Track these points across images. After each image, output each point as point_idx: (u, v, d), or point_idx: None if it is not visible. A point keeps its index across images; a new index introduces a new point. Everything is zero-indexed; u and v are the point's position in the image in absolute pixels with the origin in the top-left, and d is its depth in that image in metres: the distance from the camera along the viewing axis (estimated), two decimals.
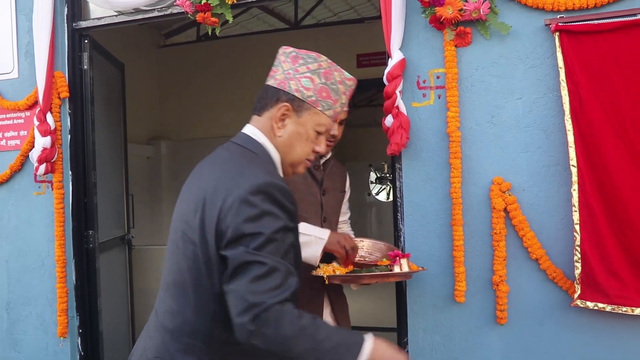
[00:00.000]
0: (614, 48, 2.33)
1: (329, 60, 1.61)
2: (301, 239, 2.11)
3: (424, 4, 2.55)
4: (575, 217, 2.38)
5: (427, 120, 2.64)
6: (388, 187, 6.49)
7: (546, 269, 2.49)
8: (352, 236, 2.57)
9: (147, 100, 6.41)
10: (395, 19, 2.58)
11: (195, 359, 1.48)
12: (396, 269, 2.24)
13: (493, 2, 2.51)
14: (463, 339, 2.63)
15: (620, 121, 2.33)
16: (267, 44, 6.55)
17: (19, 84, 3.36)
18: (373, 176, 6.84)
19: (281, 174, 1.62)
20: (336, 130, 2.36)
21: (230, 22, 2.97)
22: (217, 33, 3.01)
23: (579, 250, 2.38)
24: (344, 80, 1.62)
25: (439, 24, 2.57)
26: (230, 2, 2.86)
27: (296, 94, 1.56)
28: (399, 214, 2.72)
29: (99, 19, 3.32)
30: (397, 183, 2.73)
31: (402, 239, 2.70)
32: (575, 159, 2.38)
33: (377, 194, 6.87)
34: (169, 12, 3.13)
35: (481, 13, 2.48)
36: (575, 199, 2.38)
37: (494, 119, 2.56)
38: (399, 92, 2.58)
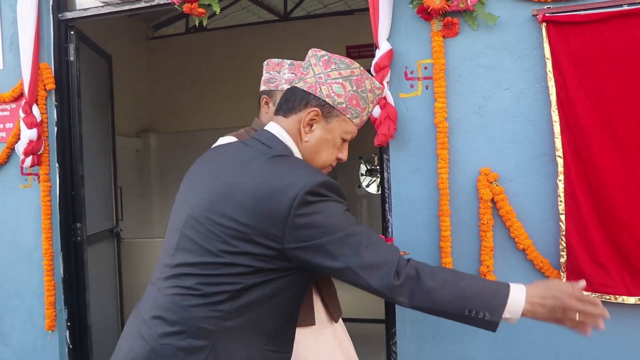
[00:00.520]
0: (601, 39, 2.34)
1: (362, 68, 1.59)
2: None
3: None
4: (561, 207, 2.40)
5: (414, 111, 2.64)
6: (378, 179, 6.50)
7: (533, 259, 2.50)
8: None
9: (136, 92, 6.39)
10: (382, 10, 2.57)
11: (208, 342, 1.44)
12: None
13: None
14: (450, 329, 2.64)
15: (606, 112, 2.34)
16: (257, 36, 6.55)
17: (3, 76, 3.33)
18: (363, 168, 6.84)
19: None
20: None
21: (217, 14, 2.95)
22: (205, 24, 2.99)
23: (565, 240, 2.40)
24: (374, 89, 1.61)
25: (426, 14, 2.56)
26: None
27: (327, 100, 1.54)
28: (387, 205, 2.72)
29: (85, 9, 3.30)
30: (385, 174, 2.73)
31: (390, 229, 2.70)
32: (561, 150, 2.39)
33: (368, 186, 6.87)
34: (155, 2, 3.11)
35: (468, 3, 2.48)
36: (561, 190, 2.40)
37: (482, 110, 2.57)
38: (387, 82, 2.57)
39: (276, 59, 2.29)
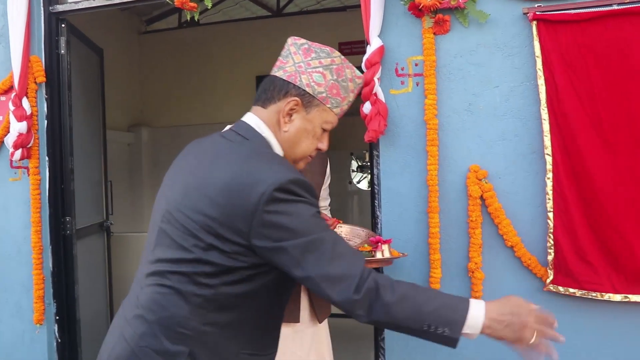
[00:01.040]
0: (590, 38, 2.35)
1: (342, 56, 1.57)
2: None
3: None
4: (549, 204, 2.41)
5: (404, 108, 2.65)
6: (369, 175, 6.50)
7: (521, 257, 2.51)
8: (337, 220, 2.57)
9: (127, 86, 6.36)
10: (374, 6, 2.57)
11: (185, 348, 1.43)
12: (378, 255, 2.25)
13: None
14: None
15: (595, 111, 2.35)
16: (249, 32, 6.54)
17: None
18: (354, 165, 6.83)
19: None
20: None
21: (209, 8, 2.94)
22: (197, 19, 2.99)
23: (552, 237, 2.41)
24: (354, 78, 1.59)
25: (417, 11, 2.57)
26: None
27: (307, 89, 1.51)
28: (377, 201, 2.73)
29: (76, 2, 3.28)
30: (375, 170, 2.74)
31: (379, 225, 2.71)
32: (550, 148, 2.40)
33: (358, 182, 6.86)
34: None
35: (460, 1, 2.49)
36: (549, 187, 2.41)
37: (472, 107, 2.57)
38: (377, 79, 2.57)
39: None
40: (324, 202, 2.65)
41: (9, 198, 3.33)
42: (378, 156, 2.71)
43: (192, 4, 2.88)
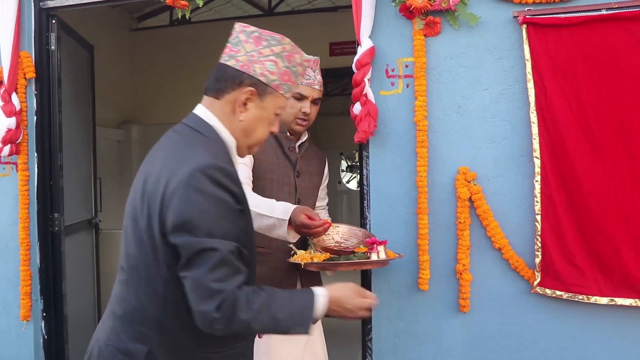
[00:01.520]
0: (579, 42, 2.37)
1: (292, 42, 1.59)
2: (266, 222, 2.12)
3: None
4: (537, 207, 2.43)
5: (394, 109, 2.65)
6: (358, 176, 6.52)
7: (509, 259, 2.53)
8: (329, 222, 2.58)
9: (118, 83, 6.34)
10: (365, 7, 2.58)
11: (145, 347, 1.46)
12: (373, 257, 2.25)
13: None
14: (426, 326, 2.67)
15: (583, 114, 2.37)
16: None
17: None
18: (344, 164, 6.85)
19: (235, 156, 1.59)
20: (308, 108, 2.36)
21: (200, 7, 2.94)
22: (188, 17, 2.98)
23: (540, 240, 2.43)
24: (303, 62, 1.62)
25: (408, 12, 2.58)
26: None
27: (261, 78, 1.53)
28: (366, 202, 2.74)
29: None
30: (364, 171, 2.74)
31: (368, 226, 2.72)
32: (538, 151, 2.42)
33: (348, 182, 6.89)
34: None
35: (450, 3, 2.50)
36: (537, 190, 2.43)
37: (461, 109, 2.59)
38: (368, 80, 2.58)
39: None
40: (322, 202, 2.65)
41: None
42: (368, 157, 2.72)
43: (183, 2, 2.88)
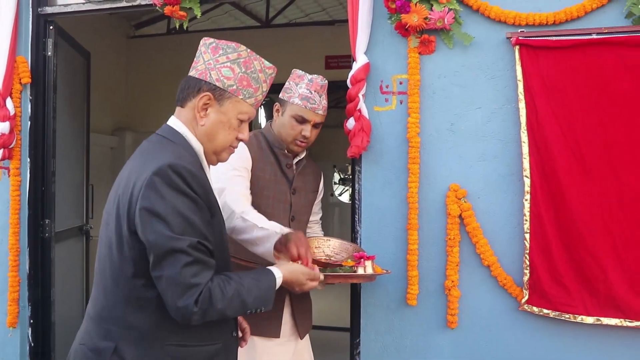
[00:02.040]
0: (570, 64, 2.41)
1: (249, 50, 1.67)
2: (261, 233, 2.11)
3: (390, 10, 2.59)
4: (526, 226, 2.46)
5: (388, 125, 2.68)
6: (350, 189, 6.54)
7: (497, 276, 2.55)
8: (322, 236, 2.59)
9: (113, 90, 6.34)
10: (361, 24, 2.61)
11: (112, 343, 1.52)
12: (360, 271, 2.26)
13: (457, 12, 2.56)
14: (414, 341, 2.68)
15: (573, 135, 2.41)
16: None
17: None
18: (337, 177, 6.86)
19: (205, 163, 1.67)
20: (308, 132, 2.37)
21: (198, 17, 2.96)
22: (185, 27, 3.01)
23: (528, 258, 2.45)
24: (264, 69, 1.68)
25: (404, 30, 2.61)
26: None
27: (217, 84, 1.61)
28: (357, 216, 2.75)
29: (65, 5, 3.28)
30: (356, 185, 2.76)
31: (358, 240, 2.73)
32: (528, 170, 2.45)
33: (340, 194, 6.90)
34: (137, 3, 3.12)
35: (445, 23, 2.53)
36: (526, 209, 2.45)
37: (453, 127, 2.62)
38: (362, 95, 2.61)
39: (300, 71, 2.41)
40: (315, 216, 2.66)
41: None
42: (360, 172, 2.74)
43: (181, 13, 2.90)
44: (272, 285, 1.67)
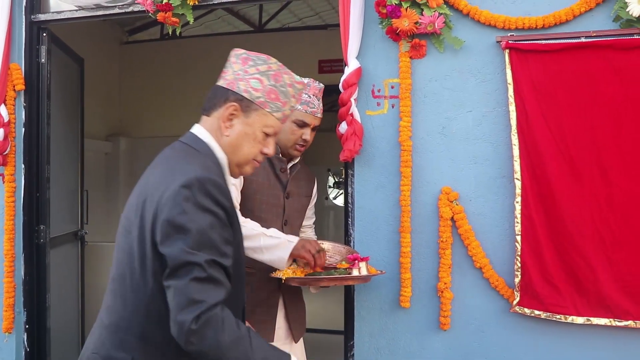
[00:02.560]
0: (560, 68, 2.44)
1: (279, 63, 1.63)
2: (270, 241, 2.14)
3: (381, 15, 2.62)
4: (517, 228, 2.48)
5: (380, 129, 2.70)
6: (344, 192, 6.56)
7: (489, 278, 2.57)
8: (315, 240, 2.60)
9: (107, 96, 6.35)
10: (353, 28, 2.63)
11: (128, 355, 1.48)
12: (355, 272, 2.28)
13: (447, 17, 2.58)
14: (407, 343, 2.69)
15: (562, 137, 2.43)
16: (231, 46, 6.53)
17: None
18: (331, 181, 6.88)
19: (228, 174, 1.64)
20: (308, 136, 2.40)
21: (191, 23, 2.98)
22: (178, 33, 3.02)
23: (519, 260, 2.47)
24: (294, 84, 1.65)
25: (395, 35, 2.63)
26: (191, 3, 2.88)
27: (245, 95, 1.58)
28: (350, 219, 2.77)
29: (58, 12, 3.29)
30: (349, 189, 2.78)
31: (352, 243, 2.75)
32: (519, 172, 2.48)
33: (335, 198, 6.91)
34: (130, 9, 3.13)
35: (436, 27, 2.56)
36: (517, 211, 2.48)
37: (445, 130, 2.64)
38: (354, 99, 2.63)
39: (298, 78, 2.39)
40: (309, 220, 2.68)
41: None
42: (353, 175, 2.76)
43: (174, 19, 2.92)
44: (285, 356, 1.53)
